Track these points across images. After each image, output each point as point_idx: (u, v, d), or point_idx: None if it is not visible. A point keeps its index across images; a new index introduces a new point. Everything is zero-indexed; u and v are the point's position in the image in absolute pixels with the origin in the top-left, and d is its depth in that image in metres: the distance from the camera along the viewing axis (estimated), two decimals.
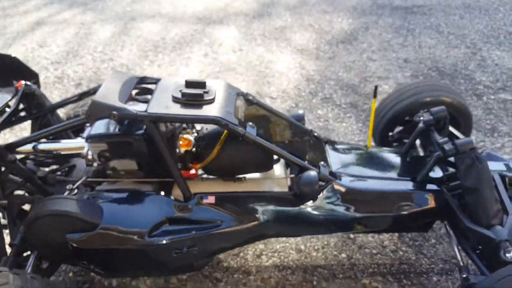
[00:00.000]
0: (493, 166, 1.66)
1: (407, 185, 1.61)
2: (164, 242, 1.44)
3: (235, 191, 1.55)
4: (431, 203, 1.59)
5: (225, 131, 1.48)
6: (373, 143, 2.01)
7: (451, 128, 1.84)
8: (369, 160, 1.77)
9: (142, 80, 1.64)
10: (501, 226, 1.46)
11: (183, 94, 1.45)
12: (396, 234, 2.00)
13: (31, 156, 1.71)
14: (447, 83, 2.26)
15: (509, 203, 1.51)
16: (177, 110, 1.43)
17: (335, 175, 1.57)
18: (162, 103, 1.45)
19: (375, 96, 1.68)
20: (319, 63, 3.62)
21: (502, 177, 1.61)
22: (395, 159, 1.78)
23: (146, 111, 1.40)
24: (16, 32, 4.37)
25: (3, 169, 1.50)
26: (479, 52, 3.79)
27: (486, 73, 3.46)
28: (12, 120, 1.71)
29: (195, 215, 1.49)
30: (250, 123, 1.49)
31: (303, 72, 3.49)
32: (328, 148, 1.75)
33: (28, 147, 1.63)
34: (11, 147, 1.53)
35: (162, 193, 1.53)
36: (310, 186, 1.45)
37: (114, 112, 1.38)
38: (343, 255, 1.92)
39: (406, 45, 3.91)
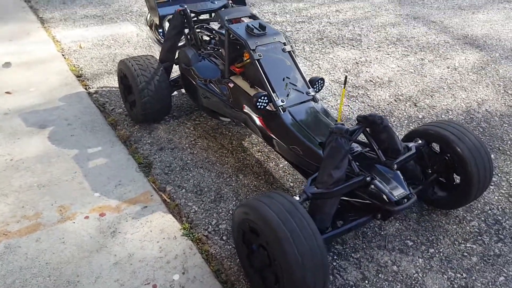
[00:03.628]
0: None
1: (311, 142, 2.21)
2: (201, 87, 2.81)
3: (244, 89, 2.63)
4: (312, 158, 2.17)
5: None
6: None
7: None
8: (319, 123, 2.35)
9: (252, 16, 2.86)
10: (317, 188, 1.95)
11: (248, 27, 2.60)
12: None
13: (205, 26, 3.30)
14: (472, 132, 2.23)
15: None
16: (240, 31, 2.60)
17: (283, 109, 2.37)
18: (240, 28, 2.65)
19: (344, 85, 2.24)
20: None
21: None
22: None
23: (228, 26, 2.66)
24: None
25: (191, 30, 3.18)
26: None
27: None
28: None
29: (220, 86, 2.73)
30: (263, 58, 2.47)
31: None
32: (308, 99, 2.46)
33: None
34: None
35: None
36: (254, 99, 2.35)
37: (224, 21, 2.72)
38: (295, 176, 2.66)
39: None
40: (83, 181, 2.60)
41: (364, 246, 2.23)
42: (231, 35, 2.65)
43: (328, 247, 1.96)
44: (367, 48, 4.63)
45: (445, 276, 2.07)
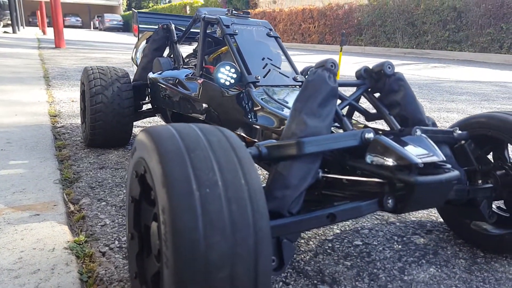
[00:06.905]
0: None
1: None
2: (163, 84, 2.22)
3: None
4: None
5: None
6: None
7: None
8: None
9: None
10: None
11: (229, 11, 2.13)
12: None
13: None
14: None
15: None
16: (217, 14, 2.12)
17: (253, 86, 1.68)
18: (219, 14, 2.18)
19: (341, 44, 1.57)
20: None
21: None
22: None
23: (205, 15, 2.19)
24: None
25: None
26: None
27: None
28: None
29: (188, 83, 2.12)
30: (238, 35, 1.91)
31: None
32: (295, 84, 1.79)
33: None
34: None
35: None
36: (216, 71, 1.71)
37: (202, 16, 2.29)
38: None
39: None
40: None
41: None
42: (207, 27, 2.17)
43: (289, 248, 0.99)
44: None
45: None
